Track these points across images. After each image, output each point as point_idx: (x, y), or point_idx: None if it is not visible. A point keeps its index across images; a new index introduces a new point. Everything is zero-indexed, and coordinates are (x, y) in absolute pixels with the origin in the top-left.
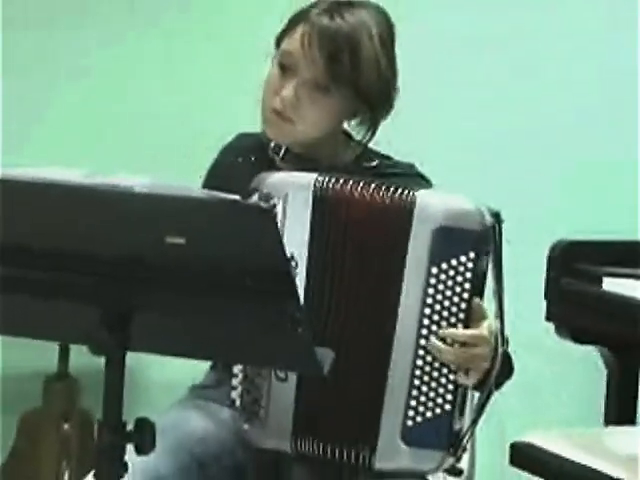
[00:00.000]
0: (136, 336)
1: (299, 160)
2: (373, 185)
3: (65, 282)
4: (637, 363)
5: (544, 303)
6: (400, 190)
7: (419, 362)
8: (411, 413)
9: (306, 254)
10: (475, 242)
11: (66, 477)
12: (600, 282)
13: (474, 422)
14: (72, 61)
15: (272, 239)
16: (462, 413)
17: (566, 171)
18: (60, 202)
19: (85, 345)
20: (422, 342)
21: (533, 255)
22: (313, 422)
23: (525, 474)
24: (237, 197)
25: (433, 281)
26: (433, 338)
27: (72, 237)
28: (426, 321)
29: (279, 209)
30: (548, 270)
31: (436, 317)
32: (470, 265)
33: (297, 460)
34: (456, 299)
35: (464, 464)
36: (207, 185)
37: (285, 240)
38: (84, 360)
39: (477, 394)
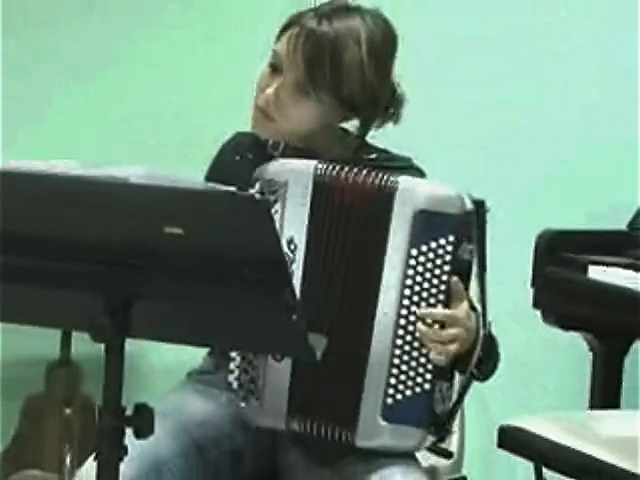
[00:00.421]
0: (136, 323)
1: (298, 155)
2: (365, 171)
3: (66, 270)
4: (621, 348)
5: (531, 291)
6: (384, 176)
7: (399, 342)
8: (391, 391)
9: (305, 237)
10: (455, 226)
11: (68, 460)
12: (585, 270)
13: (457, 404)
14: (72, 60)
15: (267, 229)
16: (446, 396)
17: (564, 165)
18: (58, 193)
19: (86, 332)
20: (402, 322)
21: (521, 244)
22: (305, 401)
23: (513, 457)
24: (233, 189)
25: (413, 262)
26: (413, 319)
27: (72, 226)
28: (406, 301)
29: (280, 194)
30: (535, 259)
31: (416, 298)
32: (450, 248)
33: (293, 443)
34: (435, 281)
35: (453, 447)
36: (212, 175)
37: (286, 223)
38: (86, 347)
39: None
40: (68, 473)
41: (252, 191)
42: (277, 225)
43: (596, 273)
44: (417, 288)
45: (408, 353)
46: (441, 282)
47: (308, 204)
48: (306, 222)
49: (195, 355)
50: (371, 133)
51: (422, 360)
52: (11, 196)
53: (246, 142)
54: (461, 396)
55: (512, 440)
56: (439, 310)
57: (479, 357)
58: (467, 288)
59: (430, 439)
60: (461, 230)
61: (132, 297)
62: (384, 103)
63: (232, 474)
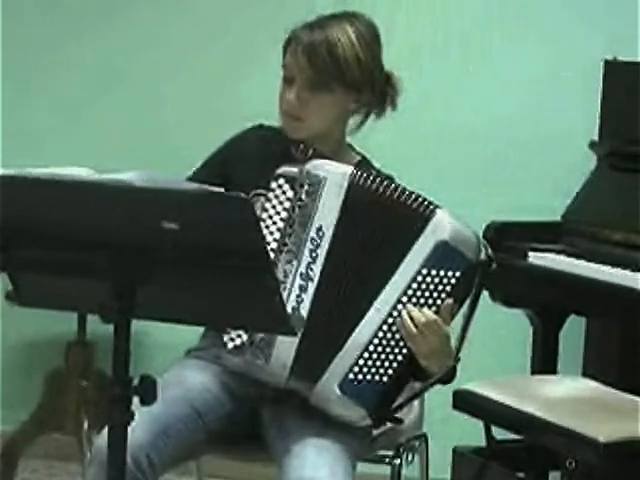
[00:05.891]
0: (140, 306)
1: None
2: (400, 188)
3: (79, 262)
4: (557, 322)
5: None
6: (425, 200)
7: (380, 334)
8: (356, 369)
9: (333, 227)
10: (465, 266)
11: (85, 425)
12: (526, 256)
13: (401, 405)
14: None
15: (250, 224)
16: (397, 395)
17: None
18: (74, 195)
19: (97, 314)
20: (390, 320)
21: None
22: (303, 363)
23: (466, 416)
24: (221, 190)
25: (419, 278)
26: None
27: (84, 224)
28: (400, 306)
29: (316, 188)
30: None
31: (409, 306)
32: (453, 281)
33: (271, 403)
34: (430, 301)
35: (414, 409)
36: (222, 151)
37: (318, 213)
38: (98, 327)
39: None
40: (85, 435)
41: (272, 185)
42: (309, 214)
43: (535, 258)
44: (414, 300)
45: (383, 347)
46: (434, 304)
47: (341, 201)
48: (336, 215)
49: (192, 333)
50: None
51: (391, 357)
52: (32, 198)
53: (269, 134)
54: (407, 401)
55: (465, 402)
56: (429, 312)
57: (438, 379)
58: (449, 321)
59: (367, 421)
60: (468, 272)
61: (136, 284)
62: (380, 83)
63: (228, 435)
